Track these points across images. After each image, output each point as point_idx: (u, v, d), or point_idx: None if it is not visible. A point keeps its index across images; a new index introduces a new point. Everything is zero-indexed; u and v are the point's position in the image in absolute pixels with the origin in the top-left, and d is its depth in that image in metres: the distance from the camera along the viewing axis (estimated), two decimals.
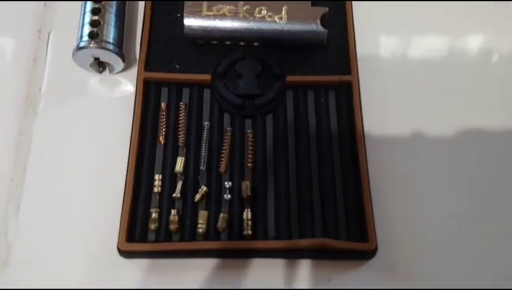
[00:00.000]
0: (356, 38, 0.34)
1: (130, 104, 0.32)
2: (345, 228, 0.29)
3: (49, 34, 0.35)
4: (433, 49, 0.36)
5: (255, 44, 0.33)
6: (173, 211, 0.29)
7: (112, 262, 0.28)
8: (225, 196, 0.30)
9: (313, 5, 0.33)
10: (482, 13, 0.37)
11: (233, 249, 0.28)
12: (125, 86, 0.34)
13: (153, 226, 0.28)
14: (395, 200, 0.31)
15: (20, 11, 0.36)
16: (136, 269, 0.28)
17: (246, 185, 0.30)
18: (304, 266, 0.29)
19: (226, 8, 0.32)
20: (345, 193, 0.30)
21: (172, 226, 0.28)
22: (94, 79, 0.34)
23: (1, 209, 0.30)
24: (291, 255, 0.29)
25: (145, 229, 0.29)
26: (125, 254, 0.28)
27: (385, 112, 0.33)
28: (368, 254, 0.28)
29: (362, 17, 0.35)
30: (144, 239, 0.28)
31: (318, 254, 0.28)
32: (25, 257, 0.29)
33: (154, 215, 0.29)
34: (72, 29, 0.33)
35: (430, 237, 0.30)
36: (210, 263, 0.28)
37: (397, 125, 0.33)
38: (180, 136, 0.31)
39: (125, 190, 0.29)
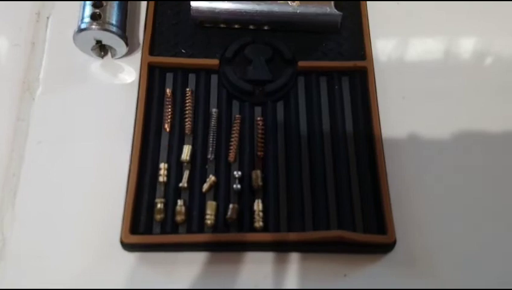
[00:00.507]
0: (371, 22, 0.32)
1: (133, 90, 0.31)
2: (361, 219, 0.28)
3: (48, 18, 0.34)
4: (456, 36, 0.34)
5: (265, 28, 0.32)
6: (180, 202, 0.27)
7: (114, 256, 0.26)
8: (234, 185, 0.28)
9: None
10: None
11: (244, 242, 0.26)
12: (128, 71, 0.32)
13: (158, 217, 0.27)
14: (413, 190, 0.29)
15: None
16: (140, 263, 0.27)
17: (256, 174, 0.28)
18: (318, 261, 0.27)
19: None
20: (361, 183, 0.28)
21: (179, 218, 0.27)
22: (95, 64, 0.32)
23: None
24: (305, 248, 0.27)
25: (150, 221, 0.27)
26: (128, 246, 0.26)
27: (401, 100, 0.32)
28: (386, 247, 0.27)
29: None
30: (148, 231, 0.27)
31: (333, 248, 0.27)
32: (21, 249, 0.27)
33: (159, 205, 0.27)
34: (72, 13, 0.32)
35: (450, 229, 0.28)
36: (219, 256, 0.27)
37: (415, 113, 0.31)
38: (186, 124, 0.30)
39: (128, 179, 0.27)
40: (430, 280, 0.27)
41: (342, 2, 0.32)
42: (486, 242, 0.28)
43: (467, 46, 0.34)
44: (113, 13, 0.30)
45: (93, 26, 0.29)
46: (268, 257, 0.27)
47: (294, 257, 0.27)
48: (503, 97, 0.32)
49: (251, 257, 0.27)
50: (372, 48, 0.32)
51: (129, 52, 0.32)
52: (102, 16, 0.30)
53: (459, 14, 0.35)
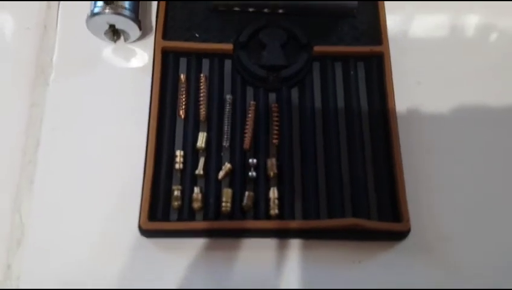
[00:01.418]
0: (387, 6, 0.32)
1: (147, 75, 0.31)
2: (376, 207, 0.28)
3: (59, 0, 0.33)
4: (472, 21, 0.34)
5: (280, 11, 0.31)
6: (196, 189, 0.27)
7: (133, 241, 0.27)
8: (250, 173, 0.28)
9: None
10: None
11: (260, 229, 0.27)
12: (141, 55, 0.32)
13: (175, 204, 0.27)
14: (429, 178, 0.29)
15: None
16: (157, 248, 0.27)
17: (271, 162, 0.28)
18: (333, 248, 0.27)
19: None
20: (376, 171, 0.29)
21: (196, 205, 0.27)
22: (108, 48, 0.32)
23: (14, 185, 0.28)
24: (320, 236, 0.27)
25: (167, 208, 0.27)
26: (146, 232, 0.27)
27: (417, 86, 0.31)
28: (401, 235, 0.27)
29: None
30: (166, 218, 0.27)
31: (347, 235, 0.27)
32: (39, 235, 0.27)
33: (176, 193, 0.27)
34: None
35: (465, 217, 0.29)
36: (235, 243, 0.27)
37: (430, 99, 0.31)
38: (201, 110, 0.30)
39: (145, 166, 0.28)
40: (444, 269, 0.27)
41: None
42: (503, 231, 0.29)
43: (488, 29, 0.33)
44: None
45: (107, 11, 0.29)
46: (284, 243, 0.27)
47: (309, 244, 0.27)
48: None
49: (267, 243, 0.27)
50: (388, 33, 0.32)
51: (142, 37, 0.32)
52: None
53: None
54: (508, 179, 0.30)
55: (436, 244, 0.28)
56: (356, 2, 0.31)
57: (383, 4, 0.32)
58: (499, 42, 0.34)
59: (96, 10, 0.29)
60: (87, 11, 0.30)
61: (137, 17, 0.31)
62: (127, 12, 0.29)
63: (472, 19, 0.34)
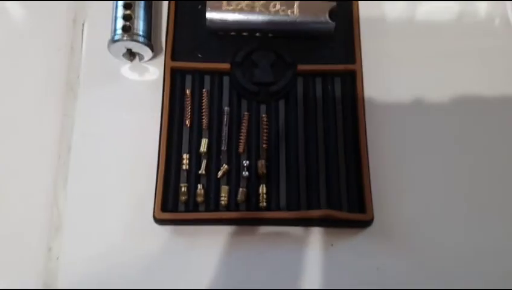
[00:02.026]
0: (361, 30, 0.37)
1: (158, 89, 0.36)
2: (346, 200, 0.34)
3: (83, 24, 0.39)
4: (434, 40, 0.39)
5: (270, 35, 0.37)
6: (199, 186, 0.33)
7: (149, 227, 0.33)
8: (243, 173, 0.34)
9: None
10: None
11: (251, 218, 0.33)
12: (153, 72, 0.38)
13: (183, 198, 0.33)
14: (392, 175, 0.35)
15: (55, 1, 0.39)
16: (169, 234, 0.33)
17: (261, 163, 0.34)
18: (310, 233, 0.33)
19: (244, 3, 0.35)
20: (347, 170, 0.34)
21: (199, 199, 0.33)
22: (126, 67, 0.38)
23: (51, 182, 0.34)
24: (300, 223, 0.33)
25: (176, 201, 0.33)
26: (159, 221, 0.33)
27: (385, 96, 0.37)
28: (366, 223, 0.33)
29: (367, 8, 0.38)
30: (175, 209, 0.33)
31: (323, 223, 0.33)
32: (74, 222, 0.33)
33: (183, 189, 0.33)
34: (104, 19, 0.37)
35: (425, 205, 0.34)
36: (230, 229, 0.33)
37: (397, 109, 0.37)
38: (203, 120, 0.35)
39: (158, 167, 0.33)
40: (404, 251, 0.33)
41: (336, 11, 0.36)
42: (453, 220, 0.34)
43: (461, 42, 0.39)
44: (140, 25, 0.35)
45: (125, 38, 0.35)
46: (269, 230, 0.33)
47: (291, 230, 0.33)
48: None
49: (255, 230, 0.33)
50: (362, 51, 0.37)
51: (154, 57, 0.37)
52: (131, 27, 0.35)
53: (447, 30, 0.39)
54: (466, 169, 0.35)
55: (397, 230, 0.34)
56: (333, 26, 0.36)
57: (358, 28, 0.37)
58: (471, 53, 0.39)
59: (116, 38, 0.35)
60: (108, 35, 0.36)
61: (150, 41, 0.36)
62: (141, 39, 0.35)
63: (439, 35, 0.39)
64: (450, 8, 0.40)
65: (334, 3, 0.35)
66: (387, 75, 0.37)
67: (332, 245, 0.33)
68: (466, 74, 0.38)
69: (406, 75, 0.38)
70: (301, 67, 0.36)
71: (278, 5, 0.35)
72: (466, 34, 0.40)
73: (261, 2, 0.35)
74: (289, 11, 0.35)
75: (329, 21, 0.36)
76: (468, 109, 0.37)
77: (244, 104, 0.36)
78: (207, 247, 0.33)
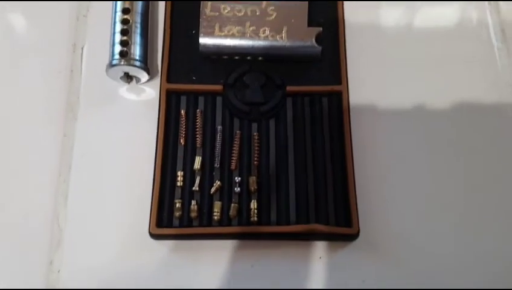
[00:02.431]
0: (347, 52, 0.39)
1: (154, 108, 0.38)
2: (333, 214, 0.35)
3: (82, 49, 0.41)
4: (416, 62, 0.41)
5: (260, 59, 0.39)
6: (193, 202, 0.35)
7: (144, 243, 0.34)
8: (235, 189, 0.36)
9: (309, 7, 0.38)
10: None
11: (243, 233, 0.34)
12: (149, 93, 0.39)
13: (177, 214, 0.35)
14: (378, 190, 0.37)
15: (56, 26, 0.41)
16: (164, 248, 0.35)
17: (252, 179, 0.36)
18: (300, 246, 0.35)
19: (235, 28, 0.37)
20: (334, 185, 0.36)
21: (193, 214, 0.35)
22: (123, 88, 0.39)
23: (52, 200, 0.36)
24: (289, 237, 0.35)
25: (170, 217, 0.35)
26: (155, 236, 0.34)
27: (370, 116, 0.39)
28: (352, 237, 0.35)
29: (353, 31, 0.41)
30: (170, 225, 0.35)
31: (311, 237, 0.35)
32: (74, 237, 0.35)
33: (178, 205, 0.35)
34: (102, 44, 0.39)
35: (406, 221, 0.36)
36: (223, 244, 0.35)
37: (382, 127, 0.39)
38: (197, 139, 0.37)
39: (153, 183, 0.35)
40: (388, 262, 0.35)
41: (323, 36, 0.38)
42: (438, 231, 0.36)
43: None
44: (137, 50, 0.37)
45: (122, 62, 0.37)
46: (260, 244, 0.35)
47: (280, 244, 0.35)
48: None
49: (246, 244, 0.35)
50: (348, 73, 0.39)
51: (150, 79, 0.39)
52: (128, 53, 0.37)
53: (434, 53, 0.41)
54: (451, 182, 0.37)
55: (382, 243, 0.35)
56: (320, 49, 0.38)
57: (344, 51, 0.39)
58: (456, 64, 0.41)
59: (114, 62, 0.37)
60: (106, 58, 0.38)
61: (146, 65, 0.38)
62: (137, 63, 0.37)
63: (421, 58, 0.41)
64: (435, 20, 0.43)
65: (320, 29, 0.38)
66: (372, 93, 0.39)
67: (320, 258, 0.35)
68: (450, 85, 0.40)
69: (389, 93, 0.40)
70: (290, 88, 0.38)
71: (268, 30, 0.37)
72: (450, 44, 0.42)
73: (252, 28, 0.37)
74: (278, 36, 0.38)
75: (316, 45, 0.38)
76: (452, 122, 0.39)
77: (236, 123, 0.38)
78: (200, 260, 0.35)
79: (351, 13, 0.41)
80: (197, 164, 0.36)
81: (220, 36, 0.37)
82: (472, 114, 0.39)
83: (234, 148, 0.37)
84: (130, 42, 0.37)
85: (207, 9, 0.38)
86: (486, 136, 0.39)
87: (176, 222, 0.35)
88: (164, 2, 0.40)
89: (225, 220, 0.35)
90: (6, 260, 0.34)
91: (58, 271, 0.34)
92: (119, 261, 0.35)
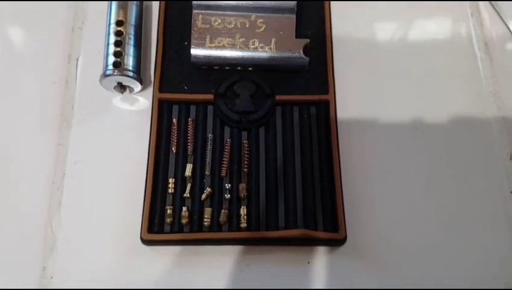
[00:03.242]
0: (335, 62, 0.40)
1: (147, 117, 0.39)
2: (321, 220, 0.36)
3: (77, 60, 0.42)
4: (401, 73, 0.42)
5: (250, 69, 0.40)
6: (184, 208, 0.36)
7: (136, 248, 0.35)
8: (225, 195, 0.37)
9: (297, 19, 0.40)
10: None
11: (233, 239, 0.35)
12: (142, 103, 0.41)
13: (168, 220, 0.36)
14: (364, 196, 0.38)
15: (51, 38, 0.42)
16: (155, 254, 0.35)
17: (242, 186, 0.37)
18: (288, 251, 0.36)
19: (226, 40, 0.39)
20: (322, 192, 0.37)
21: (184, 220, 0.36)
22: (117, 98, 0.40)
23: (46, 206, 0.37)
24: (279, 242, 0.36)
25: (162, 223, 0.36)
26: (146, 242, 0.35)
27: (356, 126, 0.40)
28: (339, 242, 0.35)
29: (341, 42, 0.42)
30: (161, 231, 0.35)
31: (300, 242, 0.36)
32: (67, 243, 0.36)
33: (169, 211, 0.36)
34: (96, 55, 0.40)
35: (392, 227, 0.37)
36: (213, 249, 0.36)
37: (368, 135, 0.40)
38: (188, 146, 0.38)
39: (145, 190, 0.36)
40: (373, 266, 0.36)
41: (310, 46, 0.40)
42: (423, 237, 0.37)
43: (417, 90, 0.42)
44: (130, 60, 0.39)
45: (115, 72, 0.38)
46: (249, 249, 0.36)
47: (269, 249, 0.36)
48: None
49: (235, 250, 0.36)
50: (336, 83, 0.40)
51: (143, 89, 0.40)
52: (122, 63, 0.38)
53: (419, 65, 0.43)
54: (436, 188, 0.38)
55: (369, 248, 0.36)
56: (307, 60, 0.39)
57: (331, 61, 0.40)
58: (436, 79, 0.42)
59: (108, 72, 0.38)
60: (100, 69, 0.39)
61: (139, 75, 0.39)
62: (130, 74, 0.38)
63: (405, 68, 0.43)
64: (420, 33, 0.44)
65: (307, 40, 0.39)
66: (359, 102, 0.41)
67: (308, 263, 0.36)
68: (435, 96, 0.41)
69: (375, 103, 0.41)
70: (279, 97, 0.39)
71: (257, 42, 0.39)
72: (435, 56, 0.43)
73: (241, 39, 0.39)
74: (267, 48, 0.39)
75: (304, 56, 0.39)
76: (437, 132, 0.40)
77: (226, 131, 0.39)
78: (191, 266, 0.35)
79: (338, 25, 0.42)
80: (188, 171, 0.37)
81: (211, 47, 0.39)
82: (456, 124, 0.41)
83: (224, 155, 0.38)
84: (123, 53, 0.38)
85: (198, 21, 0.39)
86: (470, 146, 0.40)
87: (167, 228, 0.36)
88: (157, 14, 0.42)
89: (215, 226, 0.36)
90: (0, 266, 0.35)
91: (51, 277, 0.35)
92: (112, 266, 0.35)
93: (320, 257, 0.36)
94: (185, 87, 0.39)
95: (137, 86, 0.40)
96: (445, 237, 0.37)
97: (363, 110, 0.40)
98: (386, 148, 0.39)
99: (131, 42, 0.39)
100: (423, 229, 0.37)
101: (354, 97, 0.41)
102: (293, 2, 0.39)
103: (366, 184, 0.38)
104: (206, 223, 0.36)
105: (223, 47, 0.39)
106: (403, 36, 0.44)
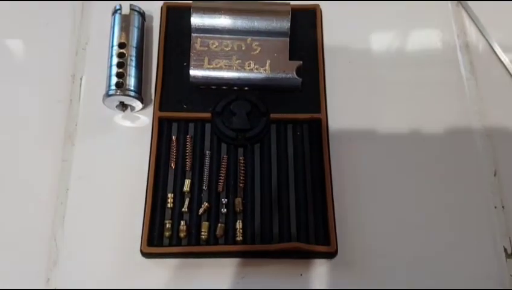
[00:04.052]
0: (327, 80, 0.42)
1: (148, 135, 0.40)
2: (314, 234, 0.38)
3: (81, 79, 0.44)
4: (391, 91, 0.44)
5: (246, 88, 0.42)
6: (182, 222, 0.37)
7: (136, 261, 0.37)
8: (222, 210, 0.38)
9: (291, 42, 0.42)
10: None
11: (229, 252, 0.37)
12: (143, 121, 0.42)
13: (167, 234, 0.37)
14: (355, 210, 0.39)
15: (56, 58, 0.44)
16: (154, 266, 0.37)
17: (238, 201, 0.38)
18: (282, 264, 0.37)
19: (223, 62, 0.41)
20: (314, 206, 0.38)
21: (182, 234, 0.37)
22: (119, 116, 0.42)
23: (50, 221, 0.38)
24: (273, 255, 0.37)
25: (161, 236, 0.37)
26: (146, 255, 0.36)
27: (347, 142, 0.42)
28: (331, 255, 0.37)
29: (331, 62, 0.44)
30: (160, 244, 0.37)
31: (293, 255, 0.37)
32: (70, 257, 0.37)
33: (168, 225, 0.37)
34: (100, 74, 0.42)
35: (381, 241, 0.38)
36: (210, 262, 0.37)
37: (358, 151, 0.41)
38: (187, 162, 0.40)
39: (145, 205, 0.38)
40: (364, 277, 0.37)
41: (303, 67, 0.42)
42: (411, 249, 0.38)
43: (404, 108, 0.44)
44: (131, 81, 0.40)
45: (118, 92, 0.40)
46: (245, 262, 0.37)
47: (264, 261, 0.37)
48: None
49: (231, 262, 0.37)
50: (328, 102, 0.42)
51: (144, 107, 0.42)
52: (124, 84, 0.40)
53: (407, 84, 0.45)
54: (424, 203, 0.40)
55: (359, 261, 0.38)
56: (300, 81, 0.41)
57: (324, 81, 0.42)
58: (424, 97, 0.44)
59: (110, 92, 0.40)
60: (103, 88, 0.41)
61: (141, 94, 0.41)
62: (132, 93, 0.40)
63: (397, 85, 0.45)
64: (408, 54, 0.46)
65: (300, 62, 0.41)
66: (350, 120, 0.42)
67: (301, 275, 0.37)
68: (422, 114, 0.43)
69: (365, 121, 0.43)
70: (274, 115, 0.41)
71: (252, 64, 0.41)
72: (422, 75, 0.45)
73: (238, 61, 0.41)
74: (262, 69, 0.41)
75: (297, 77, 0.41)
76: (425, 148, 0.42)
77: (223, 148, 0.41)
78: (188, 278, 0.37)
79: (331, 46, 0.45)
80: (187, 186, 0.39)
81: (208, 68, 0.41)
82: (444, 142, 0.42)
83: (221, 171, 0.40)
84: (125, 74, 0.40)
85: (197, 44, 0.41)
86: (457, 162, 0.42)
87: (166, 241, 0.37)
88: (158, 36, 0.44)
89: (212, 240, 0.37)
90: (5, 278, 0.37)
91: (55, 288, 0.36)
92: (113, 278, 0.37)
93: (313, 269, 0.37)
94: (184, 106, 0.41)
95: (138, 105, 0.41)
96: (433, 250, 0.38)
97: (354, 127, 0.42)
98: (376, 163, 0.41)
99: (133, 63, 0.41)
100: (411, 242, 0.39)
101: (345, 115, 0.42)
102: (287, 25, 0.41)
103: (356, 199, 0.40)
104: (203, 237, 0.37)
105: (220, 68, 0.41)
106: (393, 56, 0.46)
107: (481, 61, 0.46)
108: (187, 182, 0.39)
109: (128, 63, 0.41)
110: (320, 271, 0.37)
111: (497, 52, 0.46)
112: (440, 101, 0.44)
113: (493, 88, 0.45)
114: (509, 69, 0.45)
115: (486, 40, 0.47)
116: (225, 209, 0.38)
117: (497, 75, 0.45)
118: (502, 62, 0.46)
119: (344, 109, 0.43)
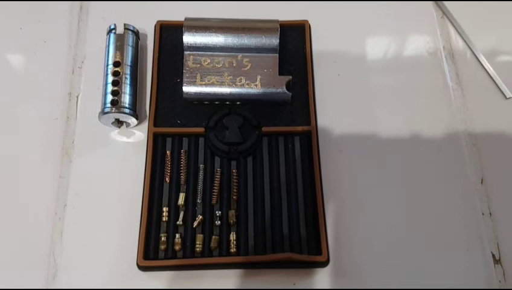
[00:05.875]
0: (316, 94, 0.44)
1: (143, 150, 0.42)
2: (306, 244, 0.39)
3: (77, 97, 0.45)
4: (380, 102, 0.45)
5: (238, 103, 0.43)
6: (177, 235, 0.38)
7: (133, 274, 0.38)
8: (216, 222, 0.39)
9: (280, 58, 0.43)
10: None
11: (223, 263, 0.38)
12: (138, 136, 0.43)
13: (162, 247, 0.38)
14: (346, 220, 0.40)
15: (53, 77, 0.46)
16: (150, 279, 0.38)
17: (231, 213, 0.39)
18: (275, 274, 0.38)
19: (215, 78, 0.42)
20: (306, 217, 0.39)
21: (177, 247, 0.38)
22: (114, 132, 0.43)
23: (48, 236, 0.39)
24: (266, 265, 0.38)
25: (156, 249, 0.38)
26: (142, 268, 0.37)
27: (338, 153, 0.43)
28: (323, 264, 0.38)
29: (321, 76, 0.45)
30: (156, 257, 0.38)
31: (286, 265, 0.38)
32: (68, 271, 0.38)
33: (163, 238, 0.38)
34: (95, 92, 0.43)
35: (372, 249, 0.39)
36: (205, 273, 0.38)
37: (348, 163, 0.43)
38: (181, 176, 0.41)
39: (141, 219, 0.39)
40: (354, 285, 0.38)
41: (294, 82, 0.43)
42: (401, 258, 0.39)
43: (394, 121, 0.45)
44: (126, 98, 0.42)
45: (113, 110, 0.41)
46: (239, 272, 0.38)
47: (258, 272, 0.38)
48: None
49: (226, 273, 0.38)
50: (318, 115, 0.43)
51: (139, 123, 0.43)
52: (119, 101, 0.41)
53: (394, 95, 0.46)
54: (415, 212, 0.41)
55: (350, 269, 0.39)
56: (290, 95, 0.42)
57: (313, 95, 0.43)
58: (411, 108, 0.45)
59: (106, 110, 0.41)
60: (99, 106, 0.42)
61: (135, 111, 0.42)
62: (127, 110, 0.41)
63: (385, 100, 0.46)
64: (395, 66, 0.47)
65: (289, 77, 0.42)
66: (340, 131, 0.44)
67: (294, 284, 0.38)
68: (409, 124, 0.44)
69: (355, 132, 0.44)
70: (265, 129, 0.42)
71: (243, 79, 0.42)
72: (410, 86, 0.46)
73: (229, 77, 0.42)
74: (253, 84, 0.42)
75: (287, 91, 0.42)
76: (413, 157, 0.43)
77: (217, 161, 0.42)
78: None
79: (320, 60, 0.46)
80: (181, 199, 0.40)
81: (201, 85, 0.42)
82: (431, 149, 0.44)
83: (215, 184, 0.41)
84: (120, 92, 0.41)
85: (189, 61, 0.42)
86: (445, 170, 0.43)
87: (161, 254, 0.38)
88: (152, 54, 0.45)
89: (207, 252, 0.38)
90: None
91: None
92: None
93: (305, 279, 0.38)
94: (178, 121, 0.42)
95: (133, 121, 0.42)
96: (422, 258, 0.39)
97: (343, 139, 0.43)
98: (366, 174, 0.42)
99: (128, 81, 0.42)
100: (402, 249, 0.40)
101: (335, 126, 0.44)
102: (276, 42, 0.42)
103: (347, 208, 0.41)
104: (198, 249, 0.38)
105: (212, 84, 0.42)
106: (380, 68, 0.47)
107: (466, 70, 0.47)
108: (181, 196, 0.40)
109: (123, 81, 0.42)
110: (313, 280, 0.38)
111: (482, 61, 0.47)
112: (427, 111, 0.45)
113: (479, 97, 0.46)
114: (494, 78, 0.46)
115: (471, 49, 0.48)
116: (219, 222, 0.39)
117: (482, 84, 0.47)
118: (486, 71, 0.47)
119: (334, 121, 0.44)
